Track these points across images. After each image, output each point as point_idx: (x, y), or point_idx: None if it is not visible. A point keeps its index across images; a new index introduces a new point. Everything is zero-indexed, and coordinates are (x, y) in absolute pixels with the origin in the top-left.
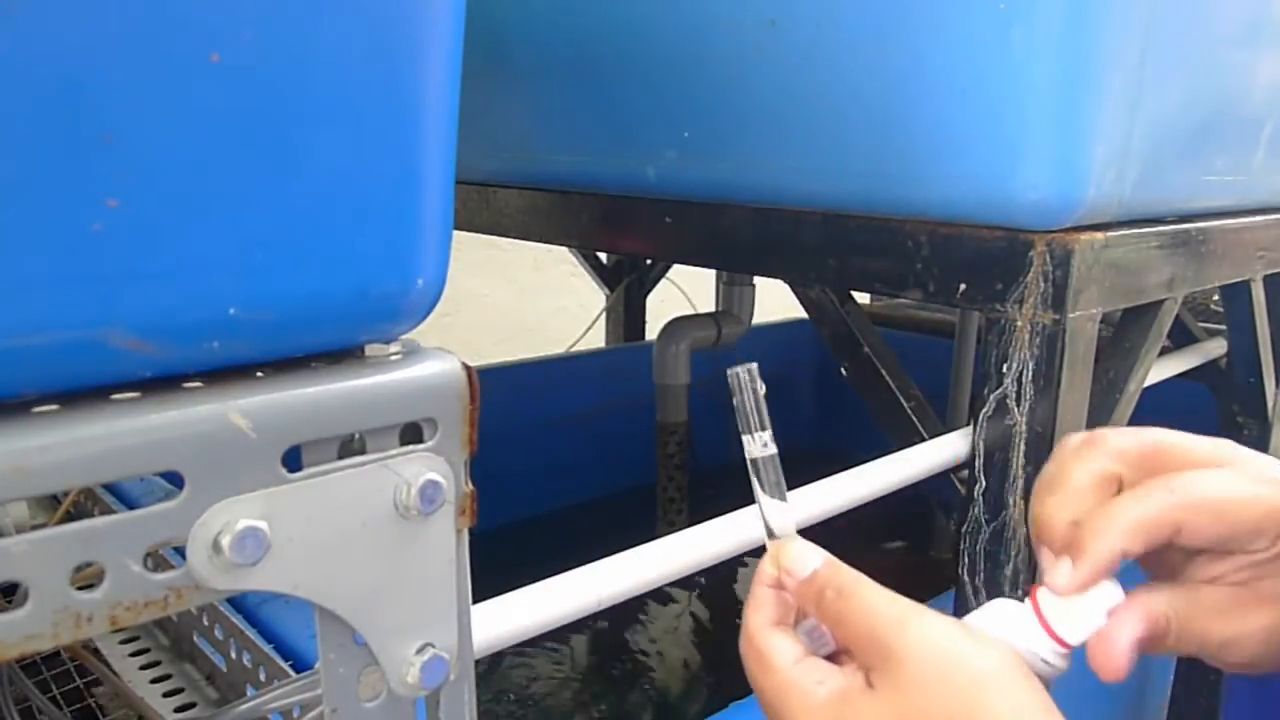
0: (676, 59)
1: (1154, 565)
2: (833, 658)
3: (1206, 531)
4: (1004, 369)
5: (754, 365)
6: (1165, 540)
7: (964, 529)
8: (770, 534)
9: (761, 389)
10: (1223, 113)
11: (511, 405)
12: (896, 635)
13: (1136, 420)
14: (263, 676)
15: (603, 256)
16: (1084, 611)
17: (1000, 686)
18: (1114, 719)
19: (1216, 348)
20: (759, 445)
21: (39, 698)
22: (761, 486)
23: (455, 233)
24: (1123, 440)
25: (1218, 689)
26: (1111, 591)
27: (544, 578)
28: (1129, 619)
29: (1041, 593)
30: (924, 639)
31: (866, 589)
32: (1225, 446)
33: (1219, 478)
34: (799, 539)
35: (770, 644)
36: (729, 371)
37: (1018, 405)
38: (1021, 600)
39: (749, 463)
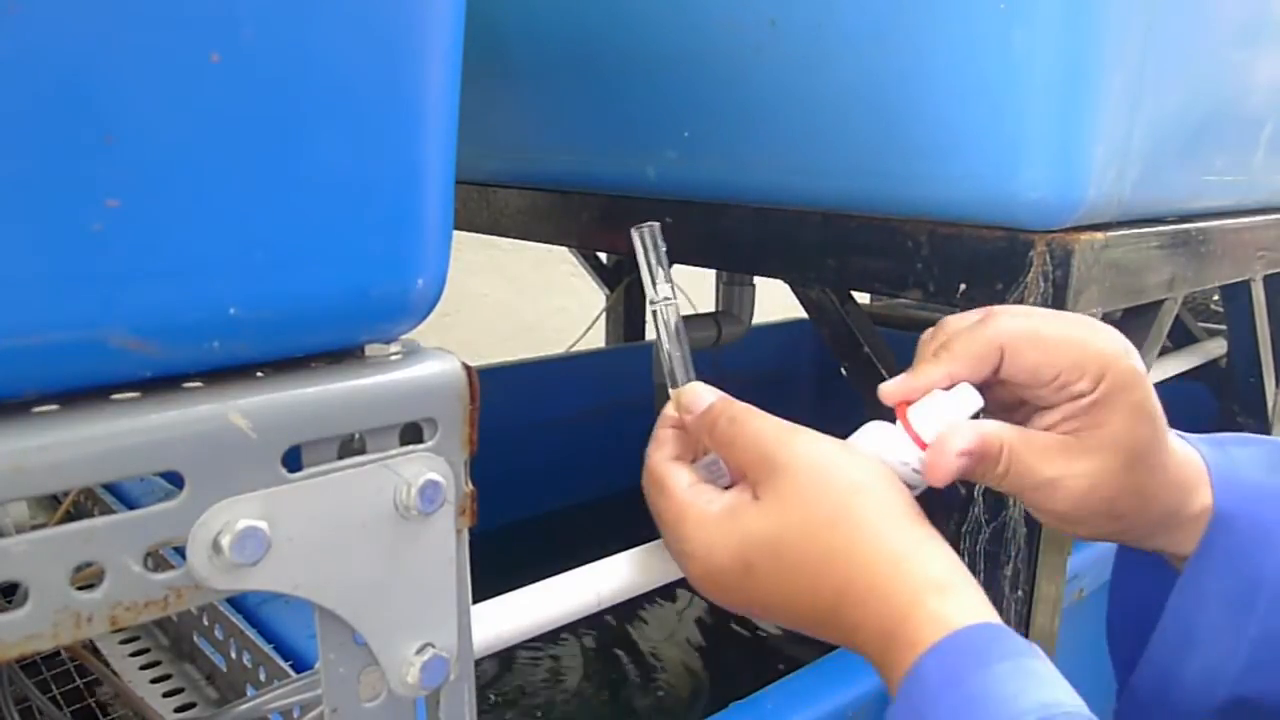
0: (677, 58)
1: (997, 417)
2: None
3: (1028, 356)
4: None
5: (655, 224)
6: (993, 364)
7: (964, 529)
8: (673, 381)
9: (662, 246)
10: (1222, 113)
11: (511, 405)
12: (780, 452)
13: None
14: (263, 676)
15: (603, 256)
16: (947, 419)
17: (869, 492)
18: None
19: (1216, 348)
20: (660, 295)
21: (39, 698)
22: (664, 335)
23: (455, 233)
24: (999, 324)
25: None
26: (970, 397)
27: (544, 578)
28: (962, 429)
29: (911, 409)
30: (803, 454)
31: (755, 416)
32: None
33: (1038, 314)
34: (699, 383)
35: (668, 473)
36: (631, 230)
37: None
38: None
39: (651, 313)
